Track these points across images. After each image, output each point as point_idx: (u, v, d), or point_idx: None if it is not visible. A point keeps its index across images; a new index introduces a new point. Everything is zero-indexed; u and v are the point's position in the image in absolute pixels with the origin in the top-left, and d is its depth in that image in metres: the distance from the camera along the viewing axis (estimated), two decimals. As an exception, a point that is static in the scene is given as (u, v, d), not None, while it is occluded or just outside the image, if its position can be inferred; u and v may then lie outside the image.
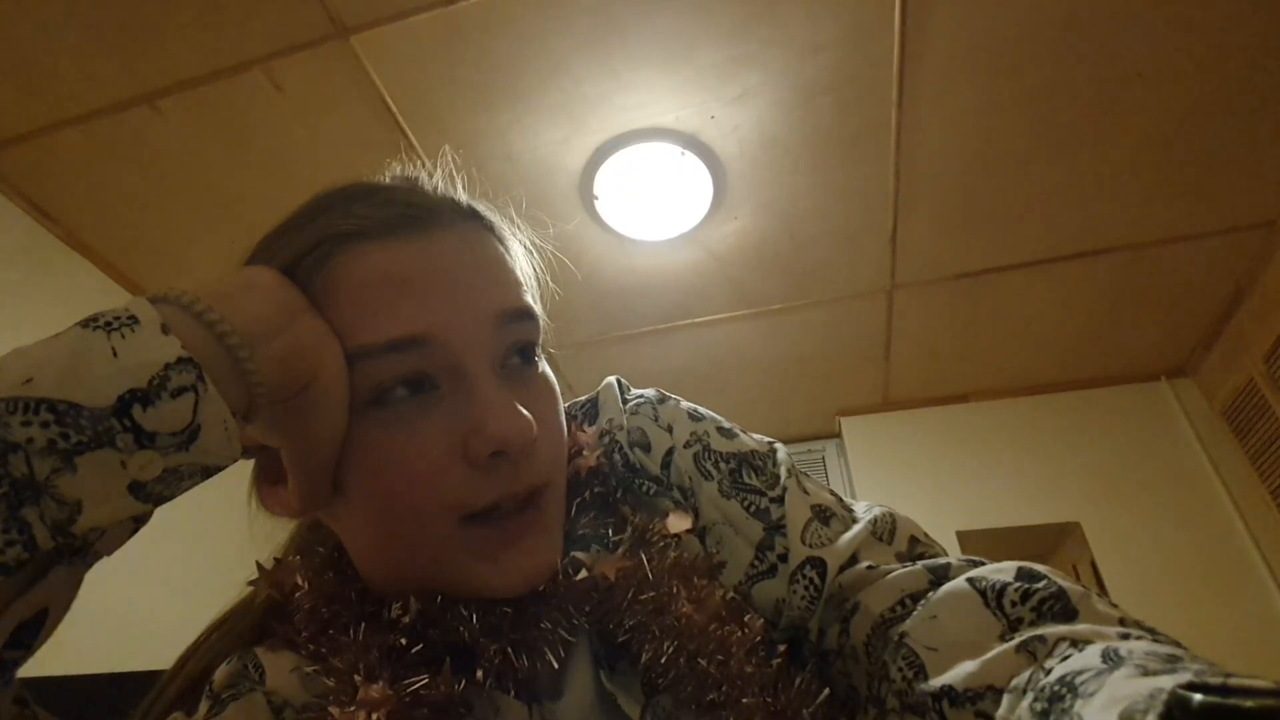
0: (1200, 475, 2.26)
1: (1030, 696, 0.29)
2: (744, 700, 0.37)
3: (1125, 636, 0.30)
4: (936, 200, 1.82)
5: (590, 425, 0.52)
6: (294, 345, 0.35)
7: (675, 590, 0.40)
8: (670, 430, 0.50)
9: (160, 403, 0.29)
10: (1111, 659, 0.27)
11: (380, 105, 1.52)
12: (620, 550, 0.42)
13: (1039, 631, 0.32)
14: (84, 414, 0.28)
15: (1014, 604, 0.35)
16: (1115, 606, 0.34)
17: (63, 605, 0.30)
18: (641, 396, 0.52)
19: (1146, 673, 0.25)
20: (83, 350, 0.29)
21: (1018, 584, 0.36)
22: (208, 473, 0.32)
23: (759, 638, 0.41)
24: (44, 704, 0.31)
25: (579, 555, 0.42)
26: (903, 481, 2.47)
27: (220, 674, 0.41)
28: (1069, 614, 0.34)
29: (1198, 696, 0.21)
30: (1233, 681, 0.21)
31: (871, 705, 0.38)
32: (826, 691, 0.40)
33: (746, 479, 0.47)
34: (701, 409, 0.52)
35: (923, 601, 0.38)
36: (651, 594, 0.40)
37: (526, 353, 0.42)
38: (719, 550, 0.45)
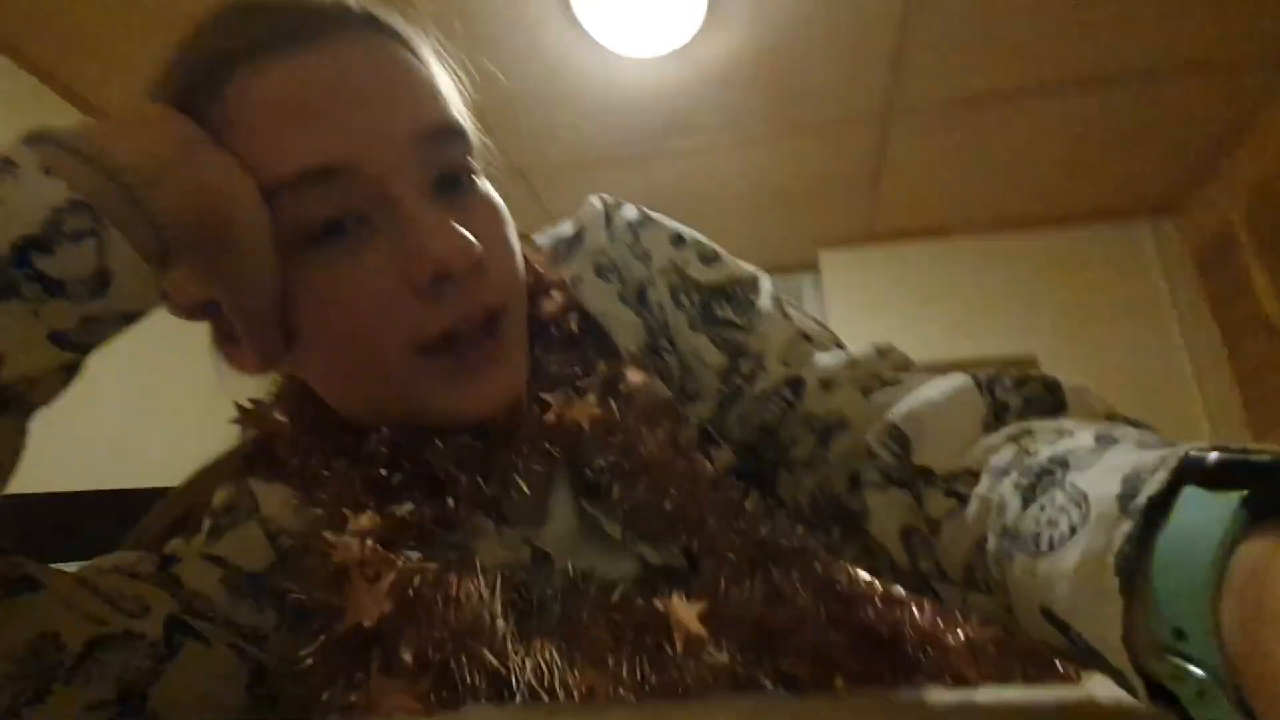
0: (1159, 313, 2.34)
1: (1014, 475, 0.28)
2: (710, 522, 0.40)
3: (1117, 430, 0.29)
4: (946, 16, 1.67)
5: (571, 254, 0.50)
6: (197, 180, 0.33)
7: (643, 432, 0.41)
8: (647, 258, 0.48)
9: (59, 248, 0.28)
10: (1106, 439, 0.27)
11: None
12: (590, 397, 0.42)
13: (1026, 425, 0.32)
14: None
15: (1005, 389, 0.34)
16: (1107, 404, 0.34)
17: (10, 456, 0.29)
18: (623, 219, 0.50)
19: (1148, 447, 0.24)
20: None
21: (1016, 373, 0.35)
22: (129, 318, 0.31)
23: (725, 470, 0.43)
24: (28, 522, 0.32)
25: (547, 396, 0.42)
26: (874, 313, 2.52)
27: (218, 497, 0.42)
28: (1058, 406, 0.33)
29: (1214, 454, 0.20)
30: (1248, 445, 0.21)
31: (822, 504, 0.41)
32: (782, 514, 0.43)
33: (718, 311, 0.46)
34: (686, 232, 0.50)
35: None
36: (621, 438, 0.41)
37: (461, 175, 0.40)
38: (692, 381, 0.46)
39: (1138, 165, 2.20)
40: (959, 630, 0.43)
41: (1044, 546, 0.24)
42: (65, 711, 0.29)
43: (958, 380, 0.36)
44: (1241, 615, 0.18)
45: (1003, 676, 0.42)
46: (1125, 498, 0.21)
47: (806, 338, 0.45)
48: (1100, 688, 0.30)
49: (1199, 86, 1.88)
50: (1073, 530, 0.23)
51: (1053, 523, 0.24)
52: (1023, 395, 0.34)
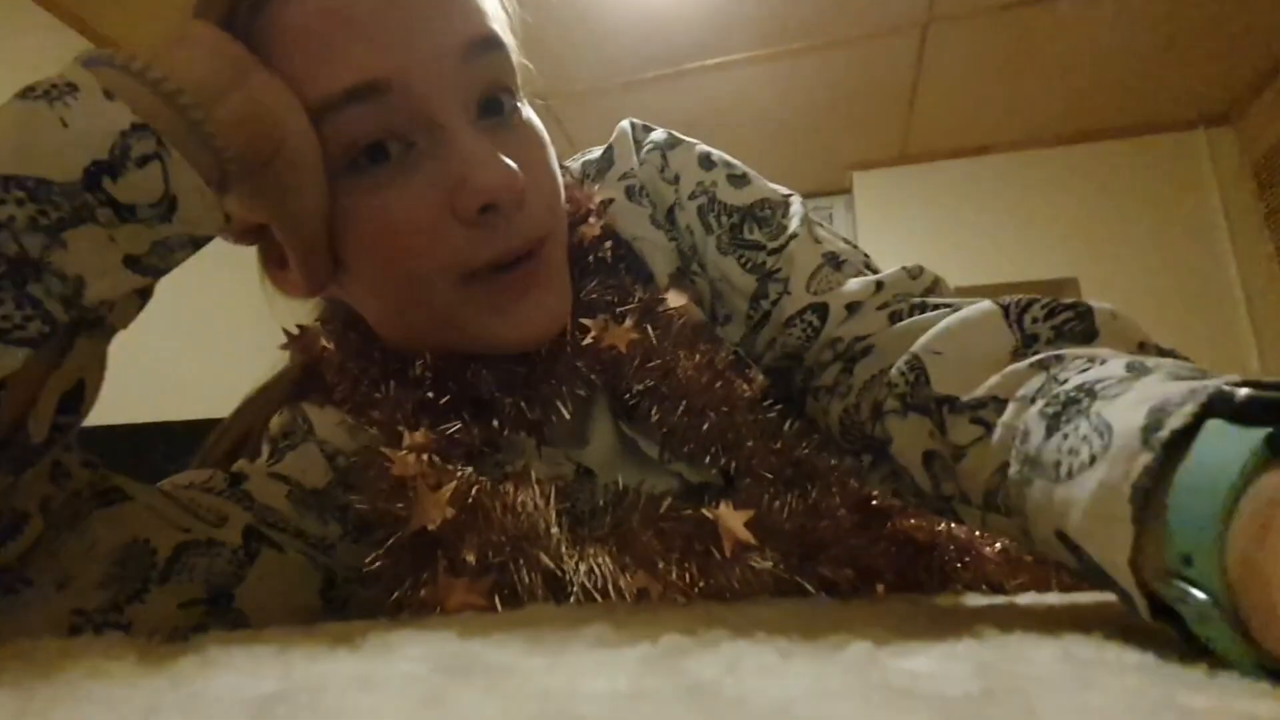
0: (1211, 231, 2.24)
1: (1041, 402, 0.28)
2: (748, 444, 0.41)
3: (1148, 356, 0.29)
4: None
5: (602, 179, 0.50)
6: (251, 103, 0.33)
7: (680, 356, 0.42)
8: (676, 181, 0.48)
9: (128, 173, 0.28)
10: (1137, 369, 0.26)
11: None
12: (628, 322, 0.42)
13: (1057, 352, 0.31)
14: (55, 189, 0.26)
15: (1034, 320, 0.34)
16: (1140, 330, 0.33)
17: (96, 375, 0.30)
18: (652, 142, 0.49)
19: (1179, 379, 0.24)
20: (31, 123, 0.27)
21: (1046, 300, 0.35)
22: (196, 243, 0.31)
23: (761, 392, 0.43)
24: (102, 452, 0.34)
25: (586, 321, 0.43)
26: (908, 237, 2.46)
27: (275, 422, 0.44)
28: (1089, 335, 0.33)
29: (1244, 390, 0.20)
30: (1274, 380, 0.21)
31: (850, 429, 0.42)
32: (817, 437, 0.43)
33: (747, 233, 0.46)
34: (716, 154, 0.49)
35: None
36: (659, 361, 0.42)
37: (504, 98, 0.39)
38: (723, 305, 0.47)
39: (1192, 73, 2.07)
40: (996, 541, 0.45)
41: (1064, 474, 0.25)
42: (162, 608, 0.32)
43: (983, 307, 0.36)
44: (1245, 543, 0.19)
45: (1039, 585, 0.43)
46: (1149, 429, 0.22)
47: (836, 261, 0.44)
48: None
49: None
50: (1093, 459, 0.24)
51: (1074, 451, 0.25)
52: (1053, 325, 0.34)
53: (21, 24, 1.57)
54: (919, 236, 2.45)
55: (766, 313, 0.45)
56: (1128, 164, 2.34)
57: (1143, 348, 0.33)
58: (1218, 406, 0.21)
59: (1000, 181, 2.43)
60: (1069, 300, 0.35)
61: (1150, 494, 0.21)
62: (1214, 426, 0.21)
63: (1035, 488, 0.27)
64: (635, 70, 2.02)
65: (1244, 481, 0.19)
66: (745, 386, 0.43)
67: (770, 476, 0.40)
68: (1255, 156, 2.15)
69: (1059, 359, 0.31)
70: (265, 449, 0.42)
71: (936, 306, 0.39)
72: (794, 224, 0.46)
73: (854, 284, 0.43)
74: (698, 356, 0.42)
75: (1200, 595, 0.19)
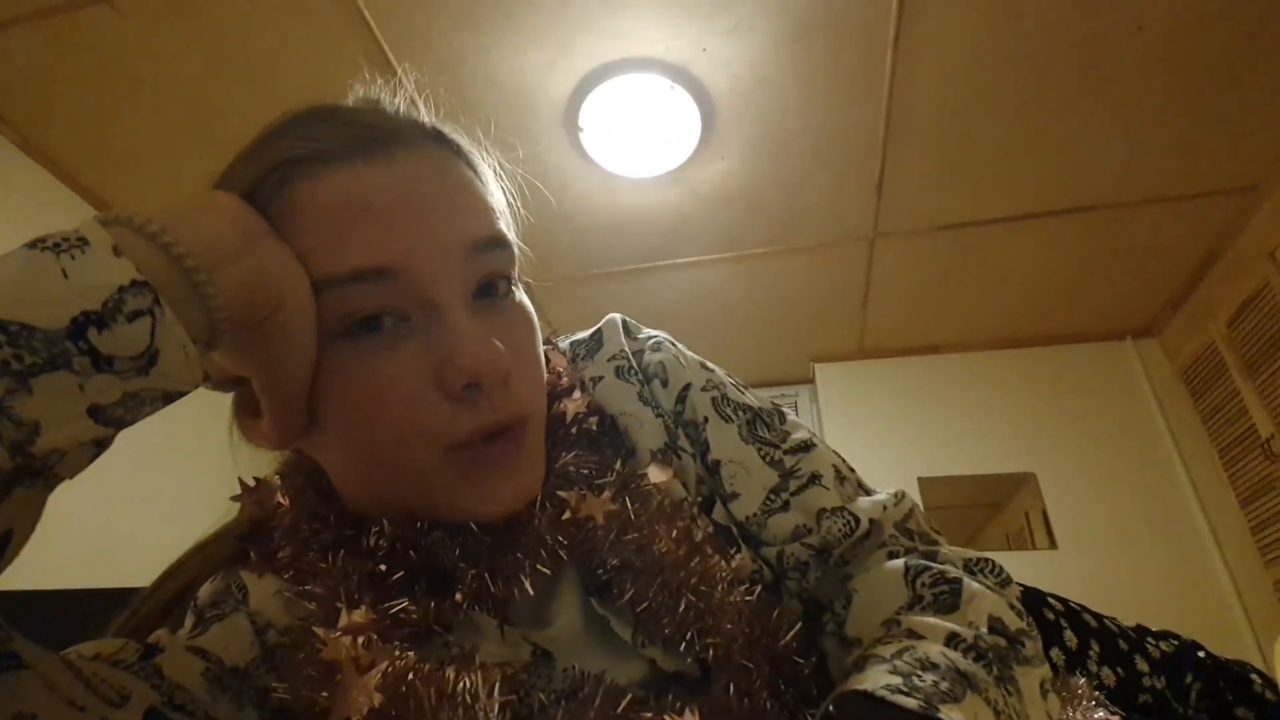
0: (1153, 432, 2.35)
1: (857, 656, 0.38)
2: (727, 626, 0.39)
3: (960, 642, 0.37)
4: (925, 148, 1.80)
5: (590, 358, 0.52)
6: (256, 270, 0.34)
7: (658, 531, 0.41)
8: (687, 369, 0.52)
9: (116, 326, 0.28)
10: (901, 654, 0.35)
11: (356, 16, 1.44)
12: (606, 494, 0.42)
13: (911, 618, 0.39)
14: (37, 335, 0.27)
15: (923, 585, 0.42)
16: (999, 606, 0.40)
17: (27, 527, 0.29)
18: (657, 336, 0.53)
19: (898, 672, 0.33)
20: (32, 271, 0.28)
21: (939, 569, 0.42)
22: (169, 398, 0.31)
23: (741, 573, 0.43)
24: (17, 617, 0.31)
25: (562, 494, 0.42)
26: (870, 427, 2.52)
27: (205, 591, 0.41)
28: (952, 607, 0.40)
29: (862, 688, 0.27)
30: (889, 697, 0.29)
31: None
32: (799, 625, 0.42)
33: (760, 431, 0.50)
34: (708, 363, 0.54)
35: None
36: (635, 535, 0.41)
37: (501, 283, 0.41)
38: (731, 483, 0.48)
39: (1111, 291, 2.29)
40: None
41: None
42: None
43: (896, 567, 0.43)
44: None
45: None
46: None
47: (840, 476, 0.49)
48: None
49: (1166, 217, 1.99)
50: None
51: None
52: (933, 591, 0.41)
53: (16, 180, 1.63)
54: (880, 427, 2.52)
55: (786, 501, 0.47)
56: (1069, 368, 2.49)
57: (978, 630, 0.39)
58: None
59: (954, 379, 2.56)
60: (952, 575, 0.42)
61: None
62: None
63: None
64: (612, 263, 2.17)
65: None
66: (724, 565, 0.42)
67: (750, 666, 0.38)
68: (1180, 366, 2.32)
69: (897, 623, 0.39)
70: (190, 619, 0.39)
71: (909, 550, 0.46)
72: (803, 433, 0.50)
73: (866, 502, 0.47)
74: (675, 531, 0.42)
75: None
